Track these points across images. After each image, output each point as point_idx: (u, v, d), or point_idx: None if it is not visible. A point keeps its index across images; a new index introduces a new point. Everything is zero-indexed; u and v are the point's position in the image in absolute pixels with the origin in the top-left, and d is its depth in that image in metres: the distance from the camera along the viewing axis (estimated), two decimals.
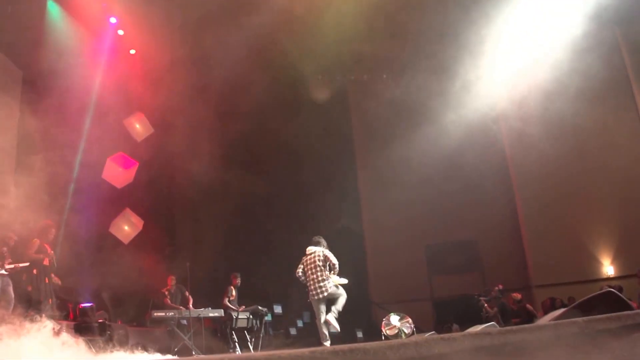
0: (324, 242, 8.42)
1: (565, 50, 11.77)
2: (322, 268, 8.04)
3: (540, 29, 12.17)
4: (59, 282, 9.00)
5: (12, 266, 7.83)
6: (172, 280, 10.87)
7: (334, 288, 8.01)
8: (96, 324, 9.81)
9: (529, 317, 10.63)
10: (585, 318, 3.78)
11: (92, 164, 11.46)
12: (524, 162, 14.09)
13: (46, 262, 8.64)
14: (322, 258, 8.09)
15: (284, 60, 12.17)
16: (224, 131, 12.61)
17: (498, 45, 12.26)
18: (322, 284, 7.95)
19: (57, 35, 11.42)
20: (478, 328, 6.75)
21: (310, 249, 8.34)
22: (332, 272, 8.11)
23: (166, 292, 10.73)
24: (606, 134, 13.30)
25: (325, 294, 7.93)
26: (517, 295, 11.81)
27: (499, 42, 12.23)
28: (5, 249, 7.88)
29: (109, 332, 9.66)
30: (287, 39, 11.56)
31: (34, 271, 8.33)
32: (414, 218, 14.41)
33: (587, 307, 5.16)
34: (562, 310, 6.77)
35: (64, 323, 9.11)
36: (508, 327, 4.26)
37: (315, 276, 8.03)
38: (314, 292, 7.98)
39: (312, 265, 8.09)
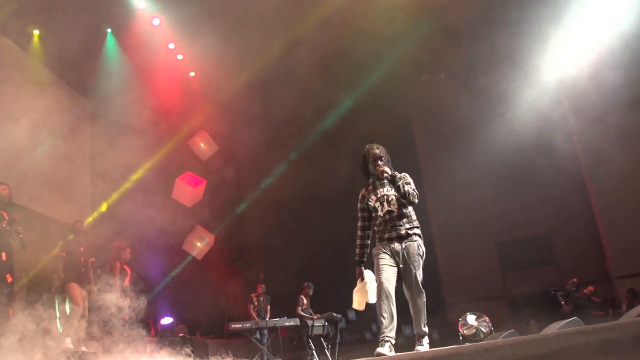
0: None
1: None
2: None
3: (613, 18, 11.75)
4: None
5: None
6: (261, 288, 11.13)
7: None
8: (177, 338, 10.19)
9: (615, 310, 10.25)
10: None
11: (163, 184, 11.89)
12: (595, 150, 13.49)
13: (126, 282, 9.09)
14: None
15: (342, 68, 12.27)
16: (288, 142, 12.83)
17: (565, 36, 11.95)
18: None
19: (119, 64, 11.96)
20: (559, 324, 6.56)
21: None
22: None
23: (254, 298, 10.97)
24: None
25: None
26: (591, 288, 11.43)
27: (567, 33, 11.92)
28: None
29: (189, 345, 9.99)
30: (345, 47, 11.61)
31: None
32: (482, 216, 14.18)
33: None
34: None
35: (147, 339, 9.53)
36: (596, 325, 4.12)
37: None
38: None
39: None
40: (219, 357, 8.74)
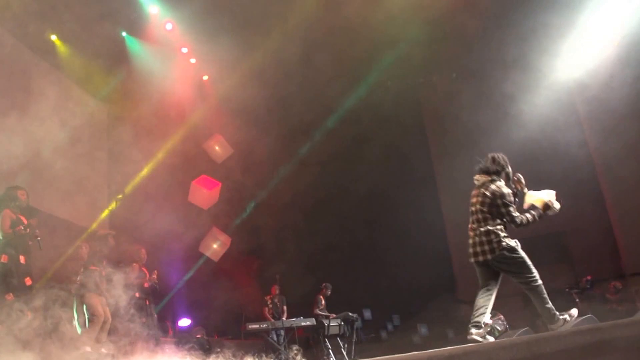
0: (501, 163, 5.21)
1: None
2: (488, 215, 4.95)
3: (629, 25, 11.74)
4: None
5: None
6: (275, 290, 11.20)
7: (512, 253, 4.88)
8: (195, 339, 10.30)
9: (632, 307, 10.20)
10: None
11: (179, 187, 11.98)
12: (605, 144, 13.39)
13: (146, 284, 9.19)
14: (490, 196, 4.98)
15: (356, 71, 12.32)
16: (301, 142, 12.87)
17: (579, 41, 11.99)
18: (486, 238, 4.93)
19: (135, 67, 12.10)
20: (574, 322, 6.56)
21: (477, 179, 5.19)
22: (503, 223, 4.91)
23: (269, 300, 11.04)
24: None
25: (489, 256, 4.96)
26: (618, 284, 11.36)
27: (581, 39, 11.95)
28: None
29: (207, 346, 10.10)
30: (358, 50, 11.66)
31: (136, 295, 8.90)
32: None
33: None
34: None
35: (165, 340, 9.65)
36: (614, 322, 4.15)
37: (475, 225, 5.04)
38: (471, 252, 5.13)
39: (474, 209, 5.10)
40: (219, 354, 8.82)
